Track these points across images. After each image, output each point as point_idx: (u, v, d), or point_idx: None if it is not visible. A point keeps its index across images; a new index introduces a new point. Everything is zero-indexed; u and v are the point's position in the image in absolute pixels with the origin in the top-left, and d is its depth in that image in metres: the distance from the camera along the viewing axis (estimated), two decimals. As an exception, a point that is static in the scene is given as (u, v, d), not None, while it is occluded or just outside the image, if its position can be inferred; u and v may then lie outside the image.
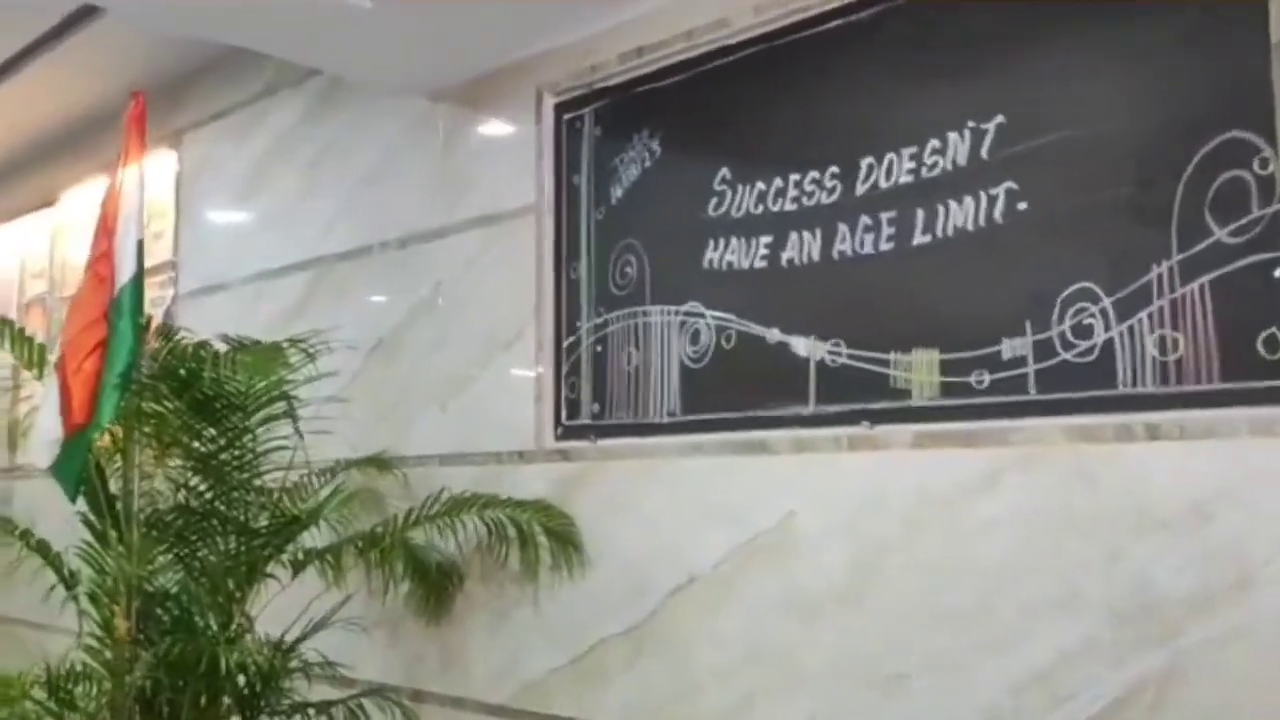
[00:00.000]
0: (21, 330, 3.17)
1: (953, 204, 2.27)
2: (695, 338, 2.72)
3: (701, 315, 2.71)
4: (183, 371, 2.78)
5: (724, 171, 2.70)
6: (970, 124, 2.26)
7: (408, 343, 3.49)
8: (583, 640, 2.85)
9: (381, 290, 3.63)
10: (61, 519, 5.22)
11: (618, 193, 2.95)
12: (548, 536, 2.89)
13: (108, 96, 5.05)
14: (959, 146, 2.27)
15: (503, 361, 3.18)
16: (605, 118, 3.00)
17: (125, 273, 2.60)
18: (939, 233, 2.29)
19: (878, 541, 2.33)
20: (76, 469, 2.59)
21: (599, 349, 2.95)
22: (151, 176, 4.97)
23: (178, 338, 2.99)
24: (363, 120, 3.78)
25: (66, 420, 2.55)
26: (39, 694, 2.64)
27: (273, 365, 2.64)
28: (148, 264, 4.99)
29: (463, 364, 3.30)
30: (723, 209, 2.69)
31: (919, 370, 2.29)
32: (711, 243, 2.70)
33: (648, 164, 2.89)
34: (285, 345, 2.79)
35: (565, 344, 3.03)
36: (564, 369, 3.03)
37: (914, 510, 2.28)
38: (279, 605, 2.90)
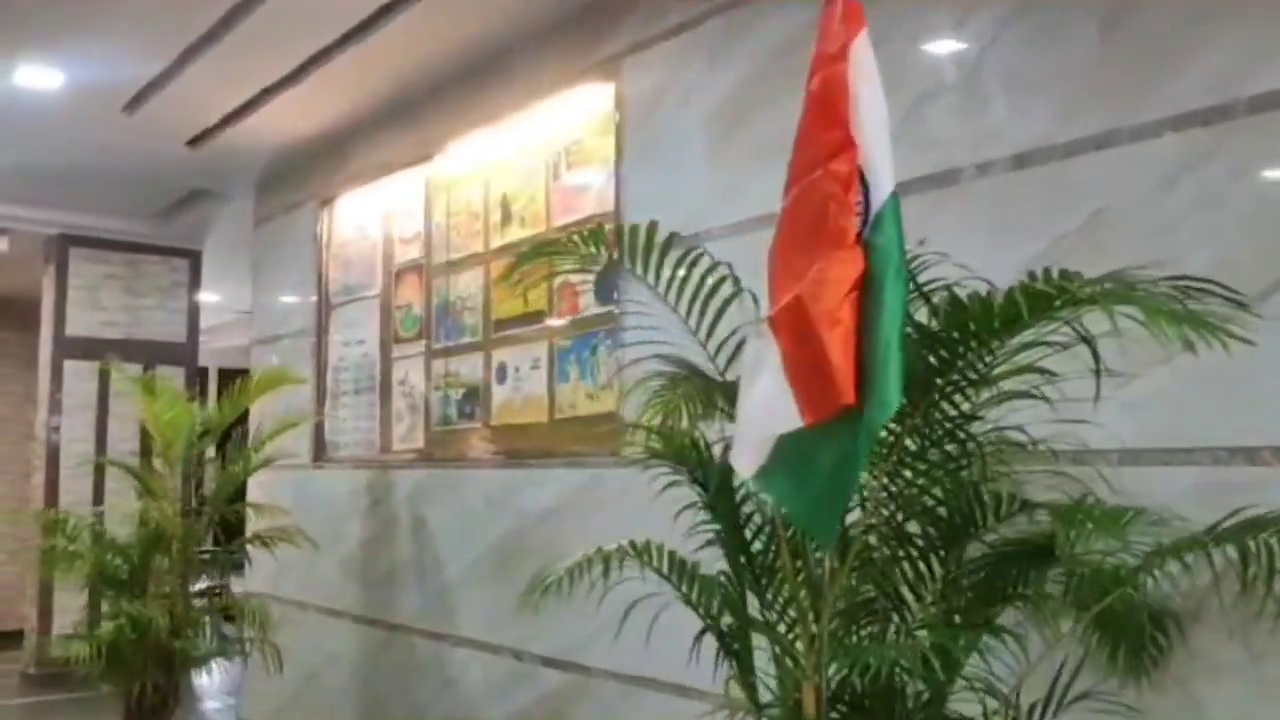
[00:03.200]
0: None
1: None
2: None
3: None
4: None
5: None
6: None
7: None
8: None
9: (978, 229, 2.72)
10: (460, 516, 4.60)
11: None
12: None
13: (499, 36, 4.35)
14: None
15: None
16: None
17: (883, 180, 1.74)
18: None
19: None
20: (844, 481, 1.68)
21: None
22: (576, 116, 4.29)
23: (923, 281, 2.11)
24: (923, 11, 2.89)
25: (810, 402, 1.69)
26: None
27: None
28: (568, 219, 4.31)
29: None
30: None
31: None
32: None
33: None
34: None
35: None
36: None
37: None
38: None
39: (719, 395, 2.21)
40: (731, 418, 2.17)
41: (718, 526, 2.27)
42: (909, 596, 1.96)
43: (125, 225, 7.75)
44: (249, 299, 10.52)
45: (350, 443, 5.43)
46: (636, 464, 2.44)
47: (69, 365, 7.57)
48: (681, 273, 2.35)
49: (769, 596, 2.07)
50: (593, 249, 2.32)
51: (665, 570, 2.28)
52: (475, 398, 4.58)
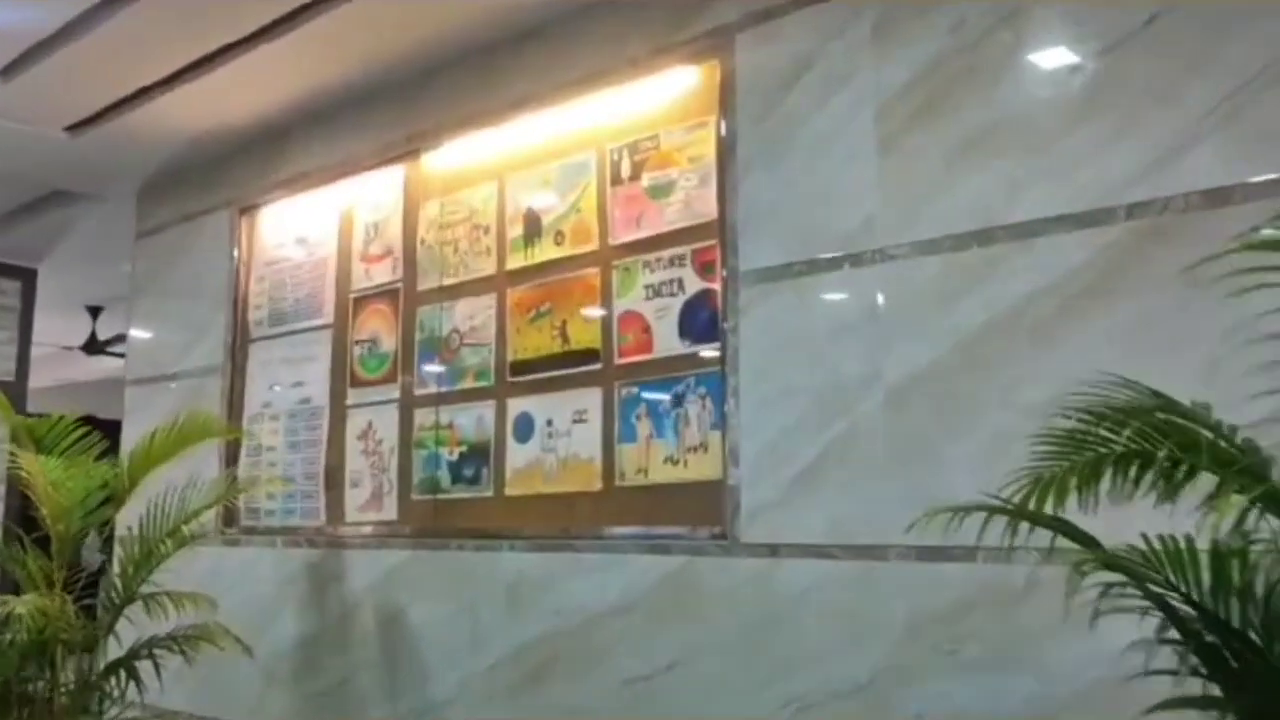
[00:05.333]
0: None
1: None
2: None
3: None
4: None
5: None
6: None
7: None
8: None
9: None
10: (461, 612, 3.56)
11: None
12: None
13: (524, 8, 3.47)
14: None
15: None
16: None
17: None
18: None
19: None
20: None
21: None
22: (648, 103, 3.23)
23: None
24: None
25: None
26: None
27: None
28: (636, 234, 3.39)
29: None
30: None
31: None
32: None
33: None
34: None
35: None
36: None
37: None
38: None
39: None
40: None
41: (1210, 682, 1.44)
42: None
43: (-58, 235, 6.30)
44: (81, 330, 9.09)
45: (280, 510, 4.30)
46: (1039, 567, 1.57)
47: None
48: None
49: None
50: None
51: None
52: (482, 458, 3.59)
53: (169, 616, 3.47)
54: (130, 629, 3.62)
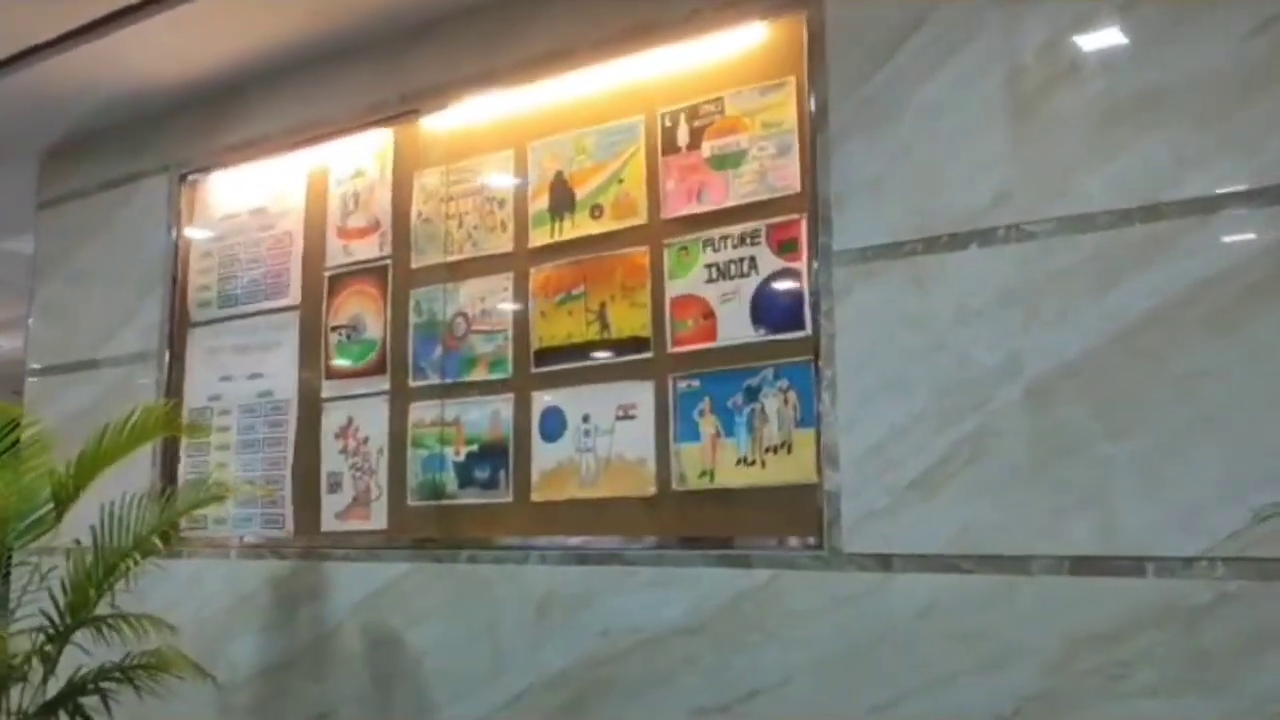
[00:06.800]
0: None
1: None
2: None
3: None
4: None
5: None
6: None
7: None
8: None
9: None
10: (478, 634, 3.13)
11: None
12: None
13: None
14: None
15: None
16: None
17: None
18: None
19: None
20: None
21: None
22: (705, 60, 2.90)
23: None
24: None
25: None
26: None
27: None
28: (695, 208, 3.02)
29: None
30: None
31: None
32: None
33: None
34: None
35: None
36: None
37: None
38: None
39: None
40: None
41: None
42: None
43: None
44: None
45: (233, 518, 3.76)
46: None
47: None
48: None
49: None
50: None
51: None
52: (498, 458, 3.17)
53: (127, 642, 2.94)
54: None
